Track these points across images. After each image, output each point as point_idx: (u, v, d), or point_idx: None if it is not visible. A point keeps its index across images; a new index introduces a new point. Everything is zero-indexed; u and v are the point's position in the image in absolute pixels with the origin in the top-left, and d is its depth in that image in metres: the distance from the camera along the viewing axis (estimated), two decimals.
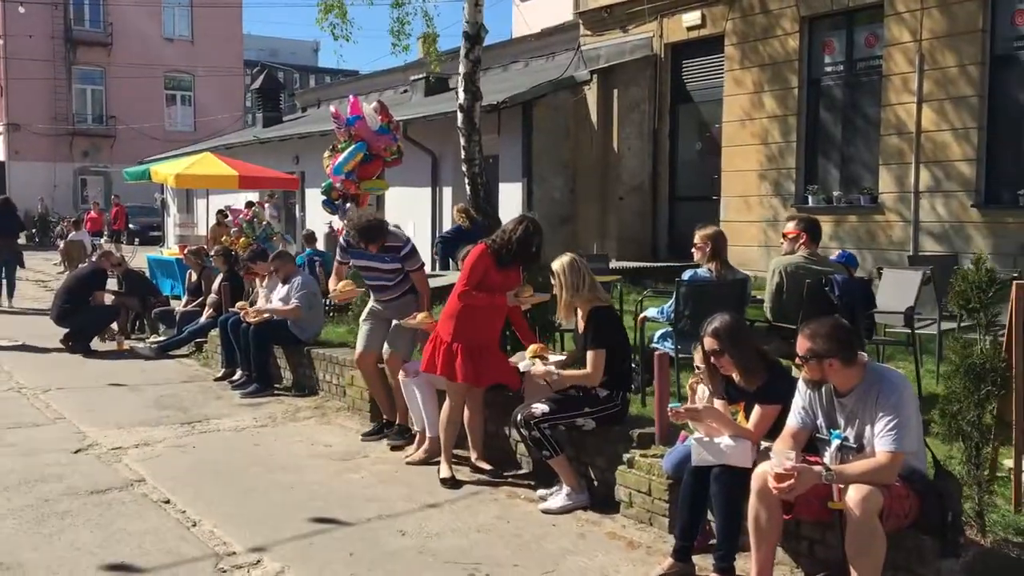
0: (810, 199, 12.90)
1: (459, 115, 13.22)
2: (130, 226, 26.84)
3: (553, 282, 5.15)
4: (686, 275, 6.27)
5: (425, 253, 15.75)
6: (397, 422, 6.41)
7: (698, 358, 4.35)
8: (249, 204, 15.08)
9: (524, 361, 5.29)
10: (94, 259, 11.61)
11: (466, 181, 13.55)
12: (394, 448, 6.23)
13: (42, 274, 20.17)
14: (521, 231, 5.45)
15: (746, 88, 13.60)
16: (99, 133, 39.66)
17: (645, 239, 15.09)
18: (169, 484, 5.43)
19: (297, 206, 21.71)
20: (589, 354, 4.93)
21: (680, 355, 5.97)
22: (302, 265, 11.12)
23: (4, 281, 14.25)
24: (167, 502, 5.12)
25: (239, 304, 8.88)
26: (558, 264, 5.09)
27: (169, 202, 27.27)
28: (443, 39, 19.52)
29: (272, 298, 8.50)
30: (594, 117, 14.91)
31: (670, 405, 4.30)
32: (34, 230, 33.57)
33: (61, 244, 21.25)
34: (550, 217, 14.77)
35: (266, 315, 8.22)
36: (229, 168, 15.48)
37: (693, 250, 6.27)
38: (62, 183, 38.52)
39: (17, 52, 36.58)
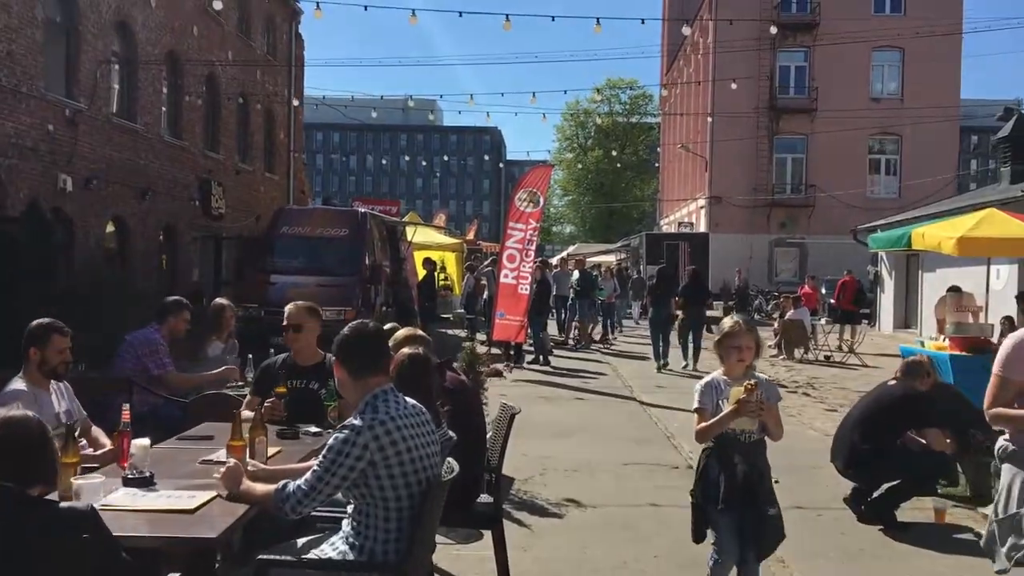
0: None
1: None
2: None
3: None
4: None
5: None
6: None
7: None
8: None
9: None
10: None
11: None
12: None
13: None
14: None
15: None
16: (796, 203, 37.86)
17: None
18: None
19: None
20: None
21: None
22: None
23: (691, 345, 15.25)
24: None
25: None
26: None
27: (885, 276, 23.21)
28: None
29: None
30: None
31: None
32: (731, 302, 32.65)
33: (776, 323, 18.58)
34: None
35: None
36: None
37: None
38: (757, 255, 37.43)
39: (723, 126, 36.69)
